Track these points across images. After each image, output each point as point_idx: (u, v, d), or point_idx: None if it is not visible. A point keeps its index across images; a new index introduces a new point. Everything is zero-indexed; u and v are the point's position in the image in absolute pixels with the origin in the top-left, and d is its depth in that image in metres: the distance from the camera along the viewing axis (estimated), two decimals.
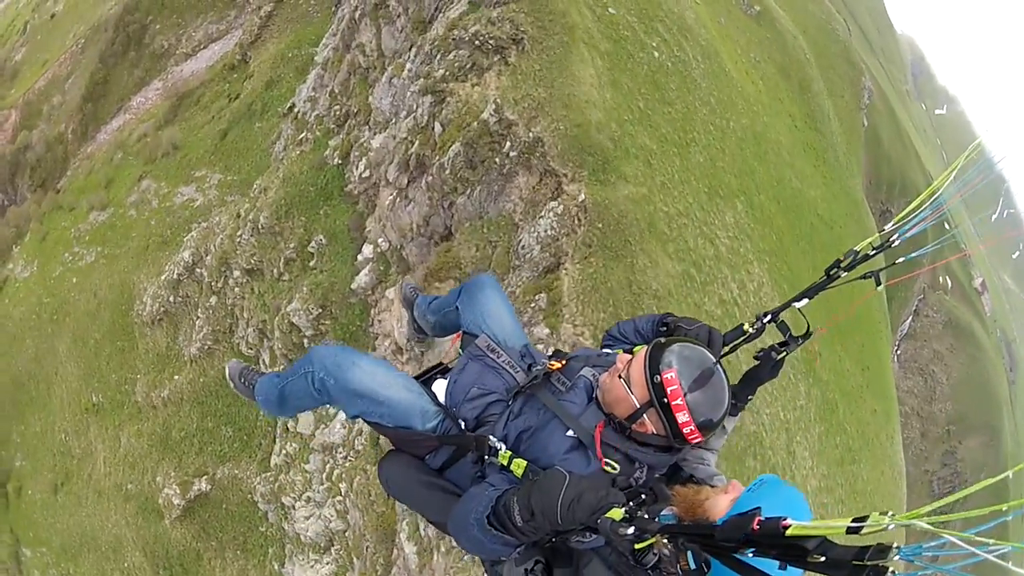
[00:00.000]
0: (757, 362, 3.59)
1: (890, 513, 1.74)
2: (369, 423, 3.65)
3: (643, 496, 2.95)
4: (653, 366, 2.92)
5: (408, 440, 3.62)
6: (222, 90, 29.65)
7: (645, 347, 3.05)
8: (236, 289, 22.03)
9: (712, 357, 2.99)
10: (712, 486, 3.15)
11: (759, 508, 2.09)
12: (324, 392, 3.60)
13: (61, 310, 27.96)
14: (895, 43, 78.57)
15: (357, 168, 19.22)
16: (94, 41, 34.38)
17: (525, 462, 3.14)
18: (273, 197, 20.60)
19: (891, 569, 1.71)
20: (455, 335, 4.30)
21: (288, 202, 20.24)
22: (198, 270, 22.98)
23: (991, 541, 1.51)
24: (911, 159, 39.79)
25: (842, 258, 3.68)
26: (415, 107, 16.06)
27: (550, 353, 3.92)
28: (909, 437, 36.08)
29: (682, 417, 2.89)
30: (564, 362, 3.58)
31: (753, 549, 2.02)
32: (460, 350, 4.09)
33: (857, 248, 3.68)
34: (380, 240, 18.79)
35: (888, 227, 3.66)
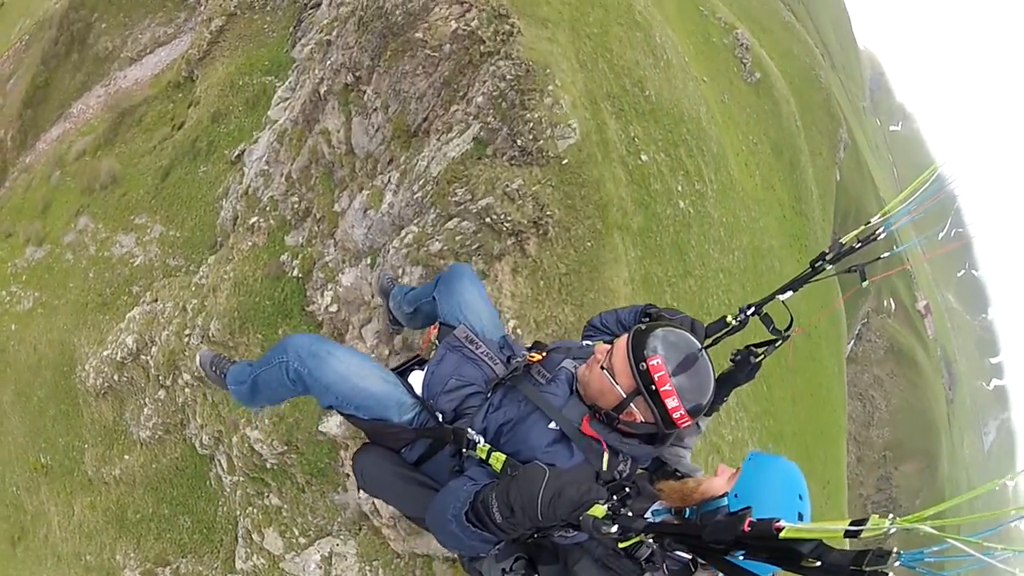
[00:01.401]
0: (733, 364, 3.24)
1: (891, 516, 1.53)
2: (344, 415, 3.24)
3: (627, 489, 2.69)
4: (637, 353, 2.65)
5: (384, 433, 3.23)
6: (165, 111, 24.03)
7: (626, 335, 2.75)
8: (187, 391, 17.18)
9: (697, 341, 2.69)
10: (692, 476, 2.84)
11: (750, 508, 1.86)
12: (299, 382, 3.22)
13: (1, 358, 22.55)
14: (856, 58, 72.69)
15: (323, 297, 14.21)
16: (38, 39, 28.84)
17: (504, 456, 2.81)
18: (224, 305, 15.59)
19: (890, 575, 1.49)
20: (432, 326, 3.83)
21: (242, 314, 15.34)
22: (143, 357, 17.83)
23: (999, 547, 1.28)
24: (867, 188, 35.92)
25: (827, 250, 3.36)
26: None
27: (529, 345, 3.50)
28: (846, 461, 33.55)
29: (671, 403, 2.61)
30: (544, 354, 3.23)
31: (743, 551, 1.76)
32: (437, 341, 3.60)
33: (843, 240, 3.36)
34: None
35: (874, 219, 3.28)
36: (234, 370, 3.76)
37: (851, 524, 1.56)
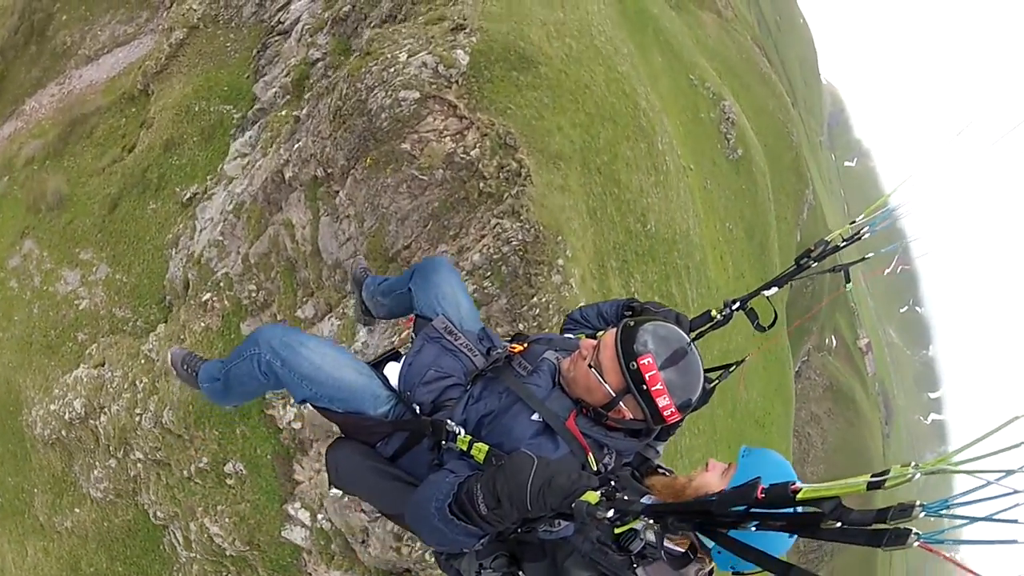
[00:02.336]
0: None
1: (913, 463, 1.40)
2: (317, 408, 2.98)
3: (612, 483, 2.32)
4: (627, 351, 2.43)
5: (359, 426, 2.96)
6: (117, 126, 21.04)
7: (612, 330, 2.54)
8: (140, 466, 14.76)
9: (685, 336, 2.50)
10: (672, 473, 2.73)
11: (759, 477, 1.65)
12: (271, 375, 2.95)
13: None
14: (819, 93, 68.69)
15: (284, 410, 11.83)
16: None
17: (487, 446, 2.56)
18: (178, 396, 13.39)
19: (913, 531, 1.34)
20: (408, 318, 3.55)
21: (196, 409, 13.06)
22: (92, 422, 15.31)
23: None
24: (819, 228, 33.85)
25: (812, 247, 3.22)
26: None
27: (510, 337, 3.27)
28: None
29: (662, 401, 2.42)
30: (526, 345, 3.01)
31: (757, 522, 1.61)
32: (413, 334, 3.31)
33: (828, 238, 3.23)
34: (320, 516, 11.90)
35: (859, 219, 3.17)
36: (206, 367, 3.47)
37: (872, 476, 1.42)
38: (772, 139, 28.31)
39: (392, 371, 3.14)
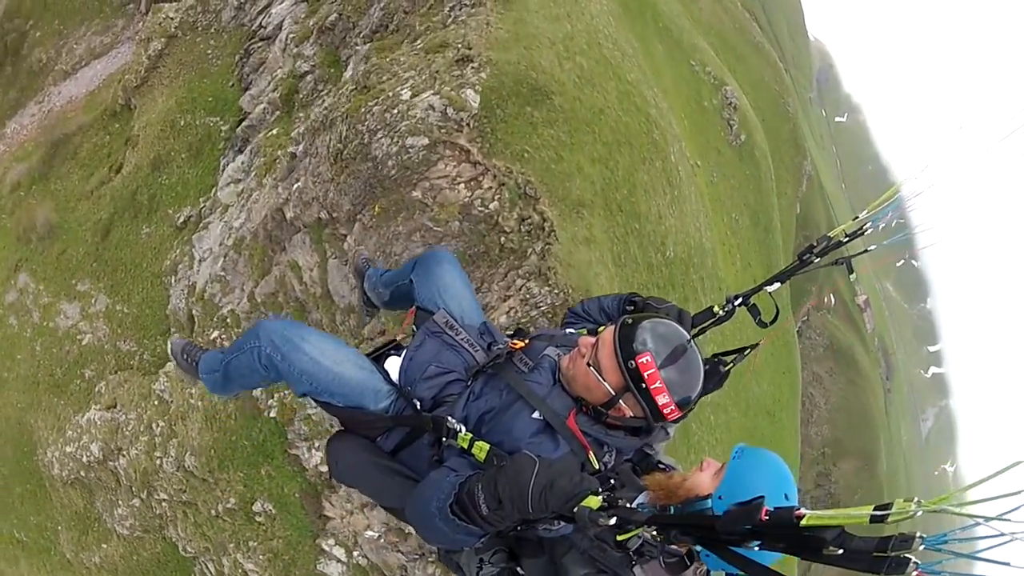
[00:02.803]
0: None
1: (916, 499, 1.41)
2: (318, 403, 3.00)
3: (612, 481, 2.51)
4: (625, 350, 2.43)
5: (359, 421, 2.96)
6: (102, 144, 20.45)
7: (611, 327, 2.54)
8: (165, 505, 14.73)
9: (685, 332, 2.50)
10: (675, 469, 2.67)
11: (763, 497, 1.68)
12: (271, 369, 2.96)
13: None
14: (806, 49, 66.81)
15: (310, 453, 11.79)
16: None
17: (488, 445, 2.57)
18: (198, 440, 13.30)
19: (913, 560, 1.41)
20: (409, 310, 3.48)
21: (219, 452, 13.19)
22: (111, 463, 15.24)
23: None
24: (822, 209, 33.28)
25: (816, 243, 3.23)
26: None
27: (511, 332, 3.24)
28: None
29: (662, 399, 2.42)
30: (527, 341, 2.96)
31: (759, 542, 1.62)
32: (414, 326, 3.30)
33: (831, 234, 3.22)
34: (356, 553, 12.00)
35: (862, 214, 3.18)
36: (206, 358, 3.52)
37: (875, 509, 1.42)
38: (769, 113, 27.94)
39: (393, 365, 3.12)
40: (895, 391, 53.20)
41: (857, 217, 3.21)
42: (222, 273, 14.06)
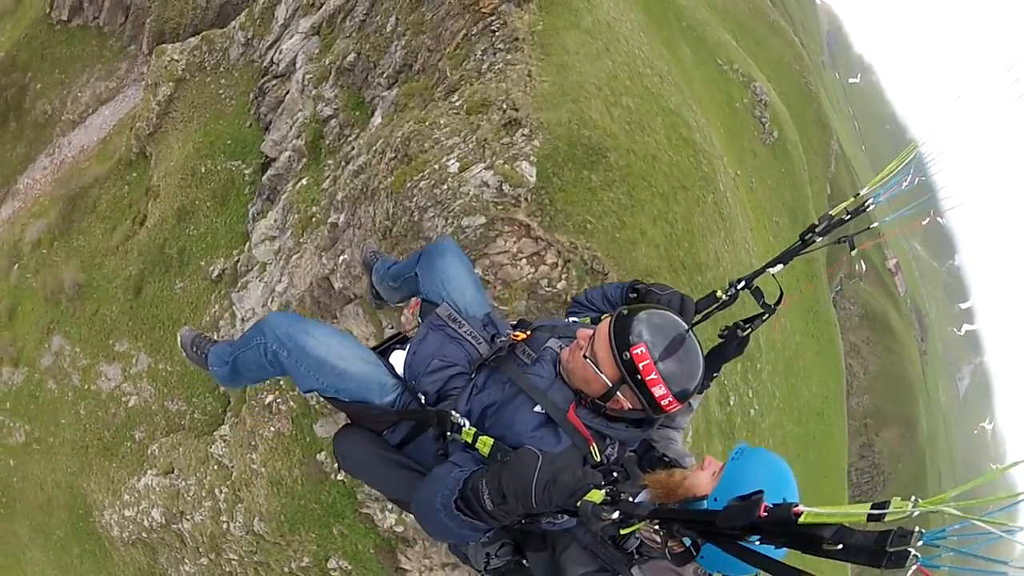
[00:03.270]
0: (722, 339, 3.07)
1: (913, 498, 1.48)
2: (325, 398, 3.03)
3: (615, 474, 2.60)
4: (620, 341, 2.44)
5: (365, 415, 3.01)
6: (121, 195, 20.38)
7: (607, 319, 2.56)
8: (235, 564, 14.90)
9: (683, 322, 2.49)
10: (683, 467, 2.72)
11: (762, 492, 1.69)
12: (277, 364, 2.99)
13: (7, 493, 20.97)
14: (814, 14, 65.82)
15: (382, 514, 11.94)
16: None
17: (492, 440, 2.61)
18: (266, 507, 13.34)
19: (913, 554, 1.43)
20: (413, 302, 3.56)
21: (289, 516, 13.27)
22: (174, 527, 15.44)
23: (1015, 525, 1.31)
24: (842, 171, 32.90)
25: (817, 222, 3.22)
26: None
27: (514, 323, 3.27)
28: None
29: (659, 391, 2.42)
30: (529, 332, 2.99)
31: (759, 536, 1.68)
32: (419, 318, 3.34)
33: (832, 212, 3.20)
34: None
35: (863, 191, 3.18)
36: (215, 350, 3.48)
37: (873, 507, 1.48)
38: (794, 97, 27.68)
39: (398, 359, 3.14)
40: (930, 351, 52.88)
41: (858, 194, 3.20)
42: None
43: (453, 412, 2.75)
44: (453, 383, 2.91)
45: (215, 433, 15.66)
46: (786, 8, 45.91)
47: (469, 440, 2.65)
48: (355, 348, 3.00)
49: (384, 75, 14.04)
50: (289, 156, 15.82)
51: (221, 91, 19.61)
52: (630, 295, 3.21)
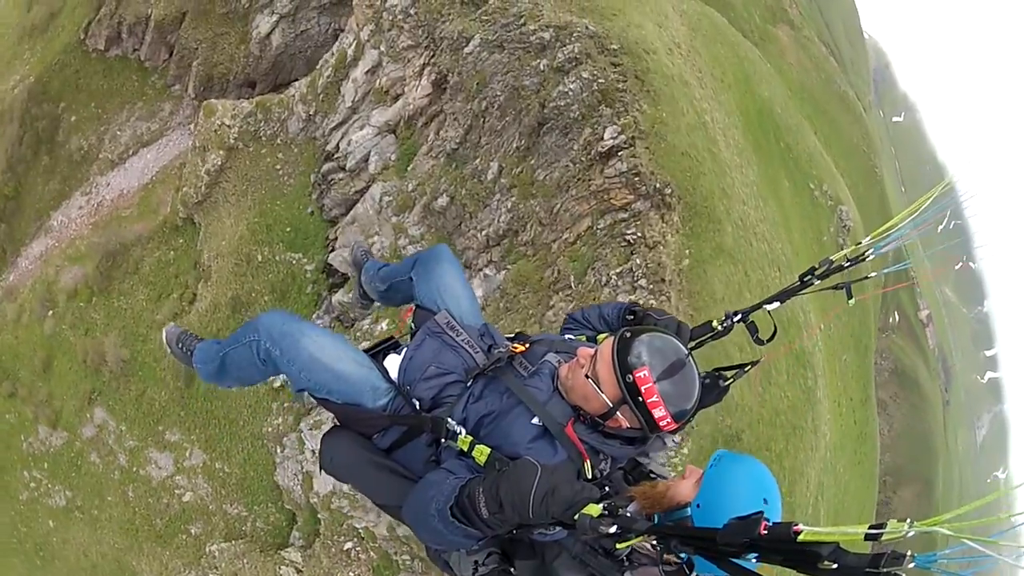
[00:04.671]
0: (701, 387, 2.75)
1: (908, 519, 1.55)
2: (316, 399, 3.03)
3: (606, 488, 2.61)
4: (623, 364, 2.51)
5: (356, 418, 3.03)
6: (166, 261, 19.82)
7: (610, 339, 2.62)
8: None
9: (683, 347, 2.59)
10: (664, 478, 2.76)
11: (762, 511, 1.76)
12: (269, 363, 3.03)
13: (46, 549, 21.32)
14: (863, 51, 64.38)
15: None
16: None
17: (489, 449, 2.64)
18: None
19: None
20: (408, 308, 3.59)
21: None
22: None
23: (1014, 544, 1.37)
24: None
25: (817, 266, 3.37)
26: None
27: (511, 335, 3.22)
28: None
29: (658, 412, 2.49)
30: (527, 345, 3.03)
31: (757, 554, 1.72)
32: (412, 325, 3.41)
33: (832, 258, 3.34)
34: None
35: (864, 241, 3.34)
36: (201, 347, 3.49)
37: (870, 528, 1.55)
38: (861, 183, 28.09)
39: (392, 364, 3.16)
40: (953, 400, 53.18)
41: (860, 243, 3.31)
42: (351, 491, 13.77)
43: (449, 419, 2.78)
44: (448, 390, 2.94)
45: (283, 554, 15.58)
46: (838, 47, 45.08)
47: (465, 448, 2.69)
48: (349, 350, 3.03)
49: (483, 232, 13.32)
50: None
51: (278, 166, 18.69)
52: (627, 316, 3.28)
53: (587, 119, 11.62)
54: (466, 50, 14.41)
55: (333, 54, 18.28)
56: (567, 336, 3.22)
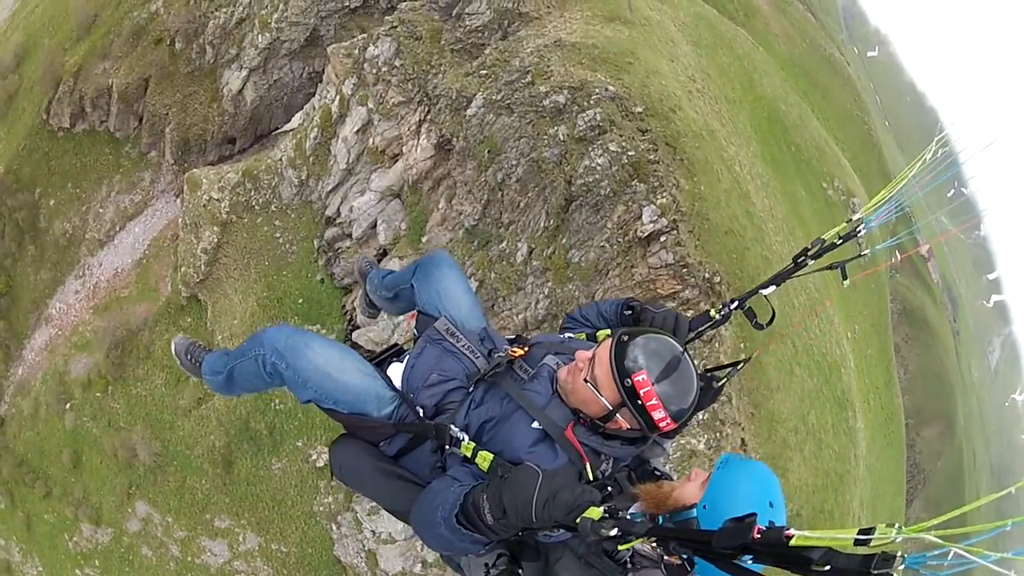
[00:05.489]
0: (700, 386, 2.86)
1: (897, 525, 1.58)
2: (323, 409, 3.08)
3: (609, 489, 2.65)
4: (621, 368, 2.53)
5: (363, 427, 3.07)
6: None
7: (606, 343, 2.64)
8: None
9: (679, 346, 2.62)
10: (672, 479, 2.80)
11: (755, 515, 1.79)
12: (275, 376, 3.03)
13: None
14: None
15: None
16: None
17: (491, 455, 2.68)
18: None
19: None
20: (410, 314, 3.61)
21: None
22: None
23: (999, 555, 1.43)
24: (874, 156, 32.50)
25: (810, 246, 3.35)
26: None
27: (511, 338, 3.28)
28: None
29: (657, 414, 2.53)
30: (526, 348, 3.05)
31: (751, 556, 1.77)
32: (416, 330, 3.41)
33: (824, 236, 3.33)
34: None
35: (855, 216, 3.30)
36: (210, 359, 3.54)
37: (859, 533, 1.60)
38: (859, 148, 28.08)
39: (396, 372, 3.21)
40: (962, 329, 52.99)
41: (850, 219, 3.32)
42: (422, 572, 13.63)
43: (452, 426, 2.81)
44: (451, 397, 2.97)
45: None
46: None
47: (468, 454, 2.73)
48: (353, 360, 3.07)
49: (520, 315, 12.75)
50: None
51: (277, 235, 17.94)
52: (625, 312, 3.31)
53: (619, 195, 10.97)
54: (468, 112, 13.57)
55: (316, 109, 17.35)
56: (566, 336, 3.24)
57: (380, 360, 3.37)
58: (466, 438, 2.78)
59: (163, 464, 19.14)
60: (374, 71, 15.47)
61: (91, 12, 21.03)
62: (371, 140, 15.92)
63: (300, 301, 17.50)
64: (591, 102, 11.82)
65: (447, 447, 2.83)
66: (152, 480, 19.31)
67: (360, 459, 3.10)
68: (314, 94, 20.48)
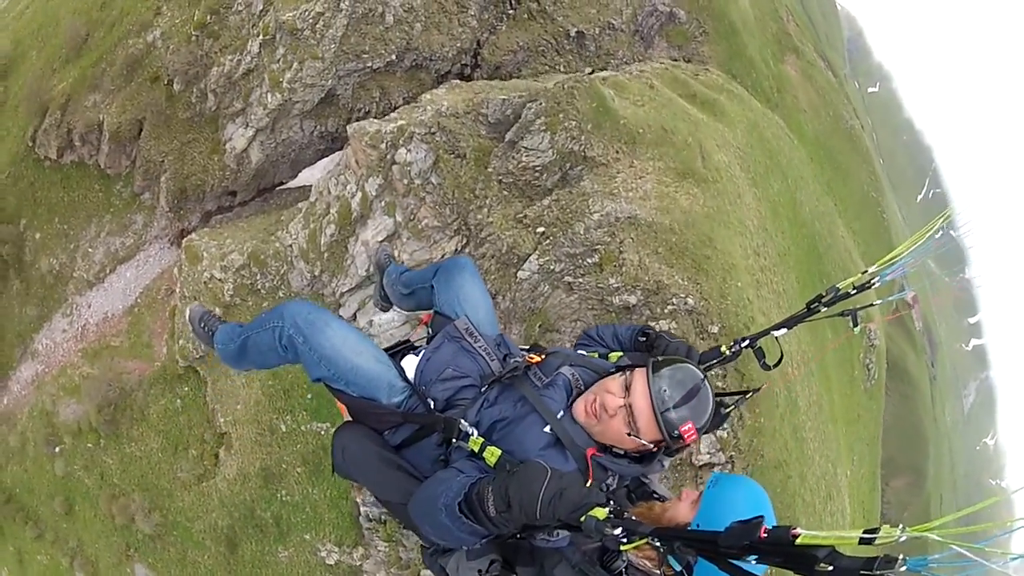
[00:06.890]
0: None
1: (901, 525, 1.65)
2: (332, 389, 3.21)
3: (611, 502, 2.55)
4: (667, 421, 2.62)
5: (370, 412, 3.17)
6: (174, 411, 18.98)
7: (643, 393, 2.68)
8: None
9: (700, 373, 2.78)
10: (666, 498, 2.97)
11: (762, 516, 1.90)
12: (291, 350, 3.15)
13: None
14: (836, 23, 59.56)
15: None
16: None
17: (499, 451, 2.78)
18: None
19: None
20: (426, 314, 3.77)
21: None
22: None
23: (999, 551, 1.48)
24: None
25: (824, 293, 3.45)
26: None
27: (526, 347, 3.46)
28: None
29: (692, 440, 2.70)
30: (542, 357, 3.19)
31: (756, 556, 1.85)
32: (429, 329, 3.60)
33: (839, 285, 3.45)
34: None
35: (871, 269, 3.40)
36: (223, 329, 3.66)
37: (864, 532, 1.68)
38: (871, 236, 28.11)
39: (409, 364, 3.28)
40: (939, 373, 52.90)
41: (866, 271, 3.40)
42: None
43: (462, 420, 2.88)
44: (463, 393, 3.03)
45: None
46: (813, 24, 42.14)
47: (476, 449, 2.78)
48: (370, 346, 3.15)
49: None
50: None
51: None
52: (640, 338, 3.38)
53: None
54: (521, 274, 12.54)
55: (331, 194, 16.03)
56: (580, 352, 3.29)
57: (394, 352, 3.37)
58: (475, 433, 2.82)
59: (163, 533, 18.89)
60: (405, 180, 14.22)
61: (82, 31, 18.96)
62: (398, 254, 14.85)
63: (309, 397, 16.79)
64: (666, 312, 10.90)
65: (454, 440, 2.84)
66: (153, 547, 19.08)
67: (364, 445, 3.08)
68: (323, 152, 19.09)
